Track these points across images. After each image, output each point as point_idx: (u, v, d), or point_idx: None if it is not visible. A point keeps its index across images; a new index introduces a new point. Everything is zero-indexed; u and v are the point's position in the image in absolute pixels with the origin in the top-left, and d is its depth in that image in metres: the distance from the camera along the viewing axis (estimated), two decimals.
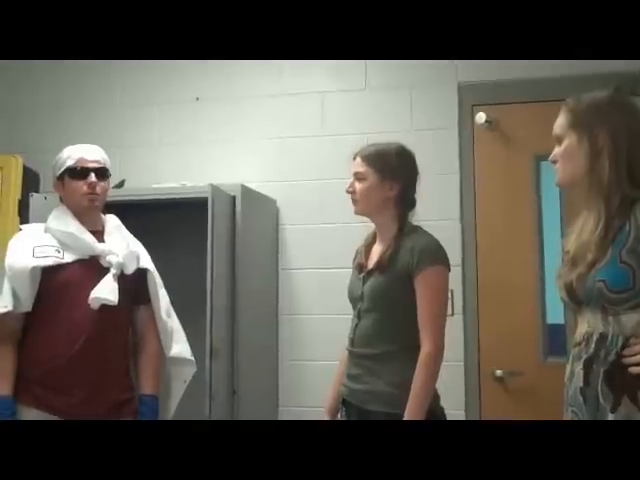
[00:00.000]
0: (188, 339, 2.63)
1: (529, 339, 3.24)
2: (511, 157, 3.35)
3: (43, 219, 2.55)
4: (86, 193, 2.44)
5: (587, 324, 1.75)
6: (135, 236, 2.63)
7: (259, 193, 3.42)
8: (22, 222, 3.27)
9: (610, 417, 1.66)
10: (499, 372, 3.22)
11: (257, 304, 3.32)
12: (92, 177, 2.45)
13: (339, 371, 2.54)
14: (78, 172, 2.45)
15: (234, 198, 3.16)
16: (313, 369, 3.41)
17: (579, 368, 1.73)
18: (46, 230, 2.46)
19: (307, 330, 3.48)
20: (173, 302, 2.65)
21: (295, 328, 3.50)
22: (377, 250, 2.41)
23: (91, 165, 2.46)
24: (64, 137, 3.80)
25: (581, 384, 1.72)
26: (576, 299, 1.78)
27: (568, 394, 1.77)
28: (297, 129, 3.60)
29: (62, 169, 2.46)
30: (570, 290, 1.78)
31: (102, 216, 2.57)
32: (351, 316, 2.44)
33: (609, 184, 1.73)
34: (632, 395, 1.64)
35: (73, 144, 2.54)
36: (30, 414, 2.28)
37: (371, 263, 2.39)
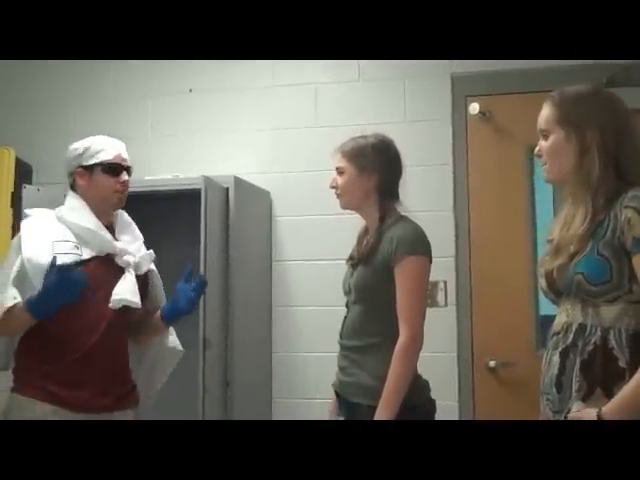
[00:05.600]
0: (181, 330, 2.64)
1: (522, 330, 3.25)
2: (505, 148, 3.35)
3: None
4: (117, 191, 2.41)
5: (566, 314, 1.77)
6: None
7: (252, 185, 3.42)
8: (15, 214, 3.26)
9: (577, 405, 1.67)
10: (492, 363, 3.23)
11: (251, 296, 3.33)
12: (125, 176, 2.43)
13: None
14: (114, 168, 2.41)
15: (227, 190, 3.16)
16: (307, 361, 3.41)
17: (556, 357, 1.75)
18: (60, 220, 2.40)
19: (301, 322, 3.48)
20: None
21: (289, 320, 3.50)
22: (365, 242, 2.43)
23: (125, 164, 2.44)
24: (57, 129, 3.80)
25: (556, 372, 1.74)
26: (555, 289, 1.80)
27: (544, 382, 1.79)
28: (290, 121, 3.59)
29: (94, 160, 2.40)
30: (550, 280, 1.80)
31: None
32: (344, 308, 2.45)
33: (597, 180, 1.73)
34: (606, 389, 1.65)
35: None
36: (43, 408, 2.24)
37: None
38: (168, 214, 3.45)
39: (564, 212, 1.83)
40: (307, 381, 3.35)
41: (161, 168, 3.49)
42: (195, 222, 2.97)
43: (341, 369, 2.38)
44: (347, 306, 2.41)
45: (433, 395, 2.31)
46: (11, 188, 3.39)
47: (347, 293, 2.42)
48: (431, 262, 2.34)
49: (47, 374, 2.28)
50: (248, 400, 3.18)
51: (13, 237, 3.26)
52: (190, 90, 3.73)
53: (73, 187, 2.46)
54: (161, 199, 3.34)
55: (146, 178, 3.29)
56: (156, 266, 2.63)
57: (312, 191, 3.47)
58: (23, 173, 3.49)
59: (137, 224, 2.68)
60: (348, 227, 2.56)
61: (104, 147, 2.42)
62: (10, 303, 2.23)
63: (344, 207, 2.48)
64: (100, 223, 2.40)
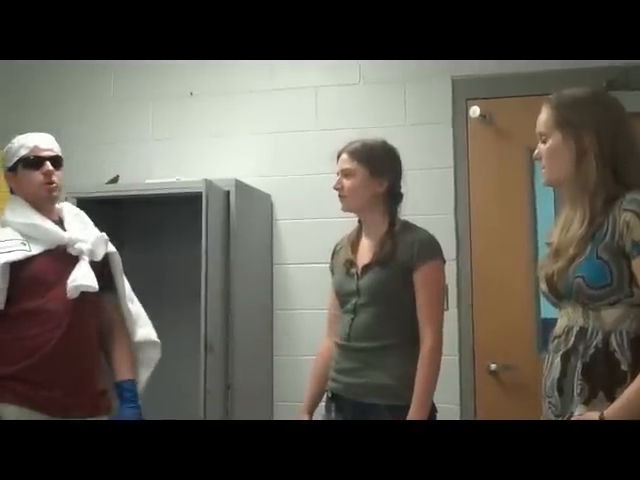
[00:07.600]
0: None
1: (523, 333, 3.24)
2: (505, 151, 3.35)
3: None
4: (43, 182, 2.36)
5: (567, 318, 1.77)
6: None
7: (253, 188, 3.42)
8: None
9: (579, 409, 1.67)
10: (493, 366, 3.22)
11: (252, 299, 3.32)
12: (48, 166, 2.37)
13: (316, 372, 2.56)
14: (33, 161, 2.37)
15: (228, 193, 3.16)
16: (308, 364, 3.39)
17: (557, 360, 1.75)
18: (4, 224, 2.37)
19: (302, 325, 3.47)
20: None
21: (290, 323, 3.50)
22: (367, 245, 2.41)
23: (46, 154, 2.39)
24: (57, 132, 3.77)
25: (558, 375, 1.74)
26: (556, 292, 1.79)
27: (545, 386, 1.79)
28: (291, 124, 3.59)
29: (15, 159, 2.38)
30: (551, 283, 1.80)
31: (57, 206, 2.48)
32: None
33: (595, 183, 1.73)
34: (608, 391, 1.65)
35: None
36: (9, 411, 2.20)
37: (363, 259, 2.39)
38: (169, 217, 3.46)
39: (563, 215, 1.83)
40: None
41: (162, 171, 3.49)
42: (196, 225, 2.97)
43: (347, 371, 2.36)
44: (354, 309, 2.37)
45: (435, 398, 2.31)
46: (8, 189, 3.39)
47: (350, 296, 2.39)
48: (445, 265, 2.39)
49: (12, 376, 2.22)
50: (249, 403, 3.18)
51: None
52: (191, 93, 3.73)
53: (12, 192, 2.45)
54: (162, 202, 3.34)
55: (147, 181, 3.29)
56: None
57: (313, 194, 3.47)
58: None
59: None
60: (349, 230, 2.56)
61: (22, 143, 2.40)
62: None
63: (347, 210, 2.45)
64: (44, 217, 2.37)
